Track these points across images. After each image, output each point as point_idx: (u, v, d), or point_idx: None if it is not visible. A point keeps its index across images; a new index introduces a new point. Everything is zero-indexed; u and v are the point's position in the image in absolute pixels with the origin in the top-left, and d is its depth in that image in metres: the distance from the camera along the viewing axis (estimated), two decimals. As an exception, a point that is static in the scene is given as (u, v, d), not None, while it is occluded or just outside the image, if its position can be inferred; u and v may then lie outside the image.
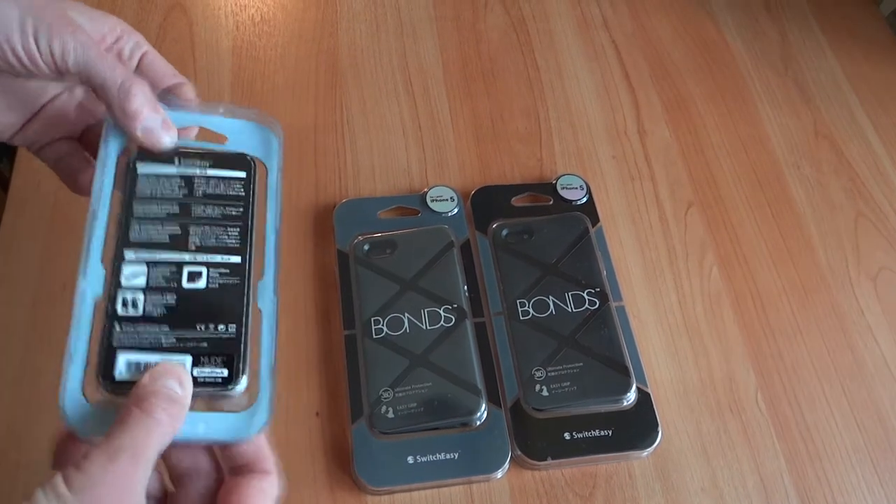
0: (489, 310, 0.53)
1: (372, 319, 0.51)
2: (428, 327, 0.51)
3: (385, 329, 0.51)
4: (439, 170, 0.60)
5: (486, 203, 0.57)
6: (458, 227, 0.56)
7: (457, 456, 0.47)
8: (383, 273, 0.53)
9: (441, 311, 0.52)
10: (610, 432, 0.49)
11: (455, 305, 0.52)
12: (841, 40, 0.70)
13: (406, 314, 0.51)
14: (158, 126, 0.38)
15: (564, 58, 0.67)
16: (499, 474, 0.48)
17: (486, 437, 0.48)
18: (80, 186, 0.42)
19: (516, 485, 0.48)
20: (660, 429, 0.49)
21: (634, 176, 0.61)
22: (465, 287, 0.53)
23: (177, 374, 0.32)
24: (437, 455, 0.47)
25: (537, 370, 0.50)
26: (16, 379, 0.49)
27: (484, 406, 0.49)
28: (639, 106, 0.65)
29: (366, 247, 0.54)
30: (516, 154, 0.61)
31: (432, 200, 0.57)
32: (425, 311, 0.51)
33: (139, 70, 0.41)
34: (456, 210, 0.57)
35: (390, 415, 0.48)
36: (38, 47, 0.36)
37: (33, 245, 0.54)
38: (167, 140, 0.38)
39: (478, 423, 0.48)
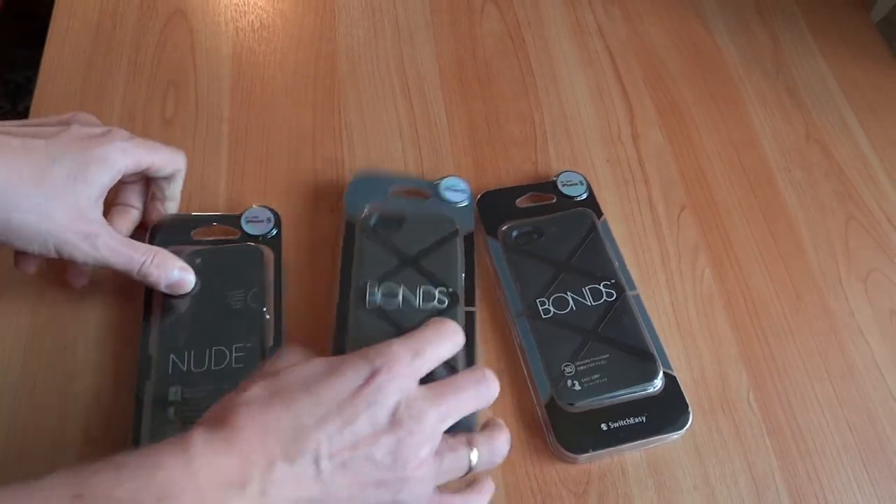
0: (510, 311, 0.53)
1: (367, 284, 0.52)
2: (421, 306, 0.52)
3: (379, 298, 0.51)
4: (435, 173, 0.61)
5: (493, 207, 0.58)
6: (466, 220, 0.57)
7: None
8: (386, 246, 0.54)
9: (436, 292, 0.52)
10: (644, 418, 0.50)
11: (451, 290, 0.53)
12: (832, 45, 0.71)
13: (402, 287, 0.52)
14: (176, 278, 0.48)
15: (559, 63, 0.68)
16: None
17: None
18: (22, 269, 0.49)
19: (511, 482, 0.48)
20: (690, 410, 0.50)
21: (628, 179, 0.62)
22: (463, 275, 0.54)
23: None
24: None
25: (566, 366, 0.51)
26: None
27: None
28: (632, 110, 0.66)
29: (374, 219, 0.55)
30: (512, 158, 0.62)
31: (445, 189, 0.58)
32: (421, 288, 0.52)
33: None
34: (466, 202, 0.57)
35: None
36: (63, 255, 0.45)
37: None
38: (188, 286, 0.49)
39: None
